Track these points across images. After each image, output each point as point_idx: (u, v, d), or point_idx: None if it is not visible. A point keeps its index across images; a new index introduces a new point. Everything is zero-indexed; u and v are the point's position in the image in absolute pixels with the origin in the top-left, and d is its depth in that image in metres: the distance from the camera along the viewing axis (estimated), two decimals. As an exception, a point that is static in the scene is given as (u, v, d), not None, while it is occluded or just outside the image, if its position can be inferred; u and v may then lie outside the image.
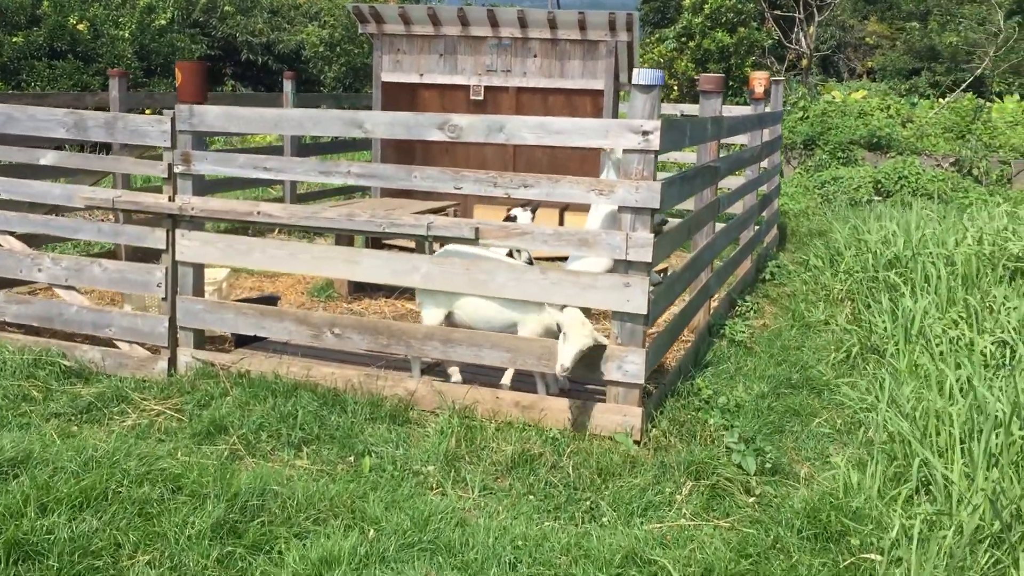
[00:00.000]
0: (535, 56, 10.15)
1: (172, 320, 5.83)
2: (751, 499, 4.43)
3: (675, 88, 17.53)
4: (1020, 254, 7.37)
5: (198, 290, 5.86)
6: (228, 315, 5.72)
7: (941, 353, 5.95)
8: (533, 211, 6.25)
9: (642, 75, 4.70)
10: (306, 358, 5.89)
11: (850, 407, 5.69)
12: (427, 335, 5.33)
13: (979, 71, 19.99)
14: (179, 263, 5.77)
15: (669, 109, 14.59)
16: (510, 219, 6.22)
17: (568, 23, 9.85)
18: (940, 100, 23.65)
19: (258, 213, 5.50)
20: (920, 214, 9.32)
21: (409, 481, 4.62)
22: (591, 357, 4.93)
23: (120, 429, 5.18)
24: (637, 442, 5.00)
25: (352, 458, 4.87)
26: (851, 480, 4.39)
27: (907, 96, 24.18)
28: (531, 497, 4.48)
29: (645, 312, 4.88)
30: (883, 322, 6.57)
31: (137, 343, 5.98)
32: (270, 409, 5.30)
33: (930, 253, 7.52)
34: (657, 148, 4.75)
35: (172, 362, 5.88)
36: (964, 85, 19.09)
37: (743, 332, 7.09)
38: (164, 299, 5.84)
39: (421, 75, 10.38)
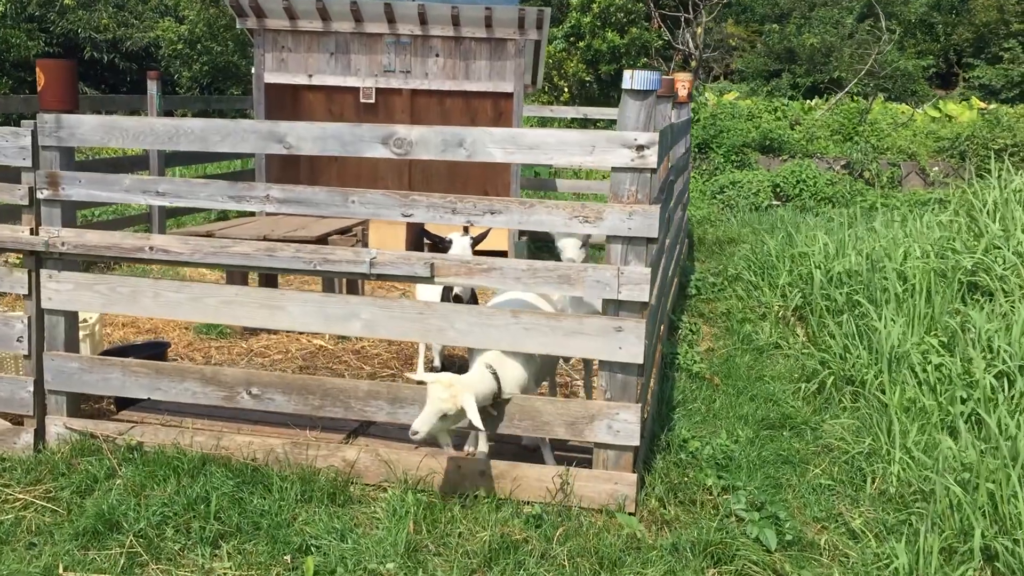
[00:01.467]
0: (438, 56, 9.25)
1: (39, 382, 4.67)
2: (790, 589, 3.70)
3: (566, 90, 16.90)
4: (972, 268, 6.98)
5: (71, 344, 4.71)
6: (113, 375, 4.60)
7: (928, 384, 5.42)
8: (472, 236, 5.35)
9: (636, 78, 3.90)
10: (211, 419, 4.85)
11: (841, 449, 5.08)
12: (369, 393, 4.38)
13: (862, 72, 20.20)
14: (47, 311, 4.62)
15: (539, 112, 14.02)
16: (438, 247, 5.31)
17: (474, 20, 9.00)
18: (809, 102, 23.99)
19: (151, 249, 4.41)
20: (845, 224, 8.92)
21: (367, 586, 3.68)
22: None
23: (-24, 531, 4.02)
24: (632, 514, 4.21)
25: (288, 556, 3.88)
26: (900, 559, 3.73)
27: (775, 97, 24.42)
28: (525, 601, 3.61)
29: (641, 361, 4.09)
30: (856, 348, 6.00)
31: (-8, 411, 4.79)
32: (174, 494, 4.24)
33: (883, 268, 7.04)
34: (654, 165, 3.97)
35: (40, 434, 4.72)
36: (844, 90, 19.23)
37: (699, 363, 6.42)
38: (27, 356, 4.67)
39: (310, 76, 9.32)
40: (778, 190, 13.59)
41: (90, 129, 4.41)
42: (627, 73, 3.94)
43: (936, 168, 14.57)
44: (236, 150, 4.38)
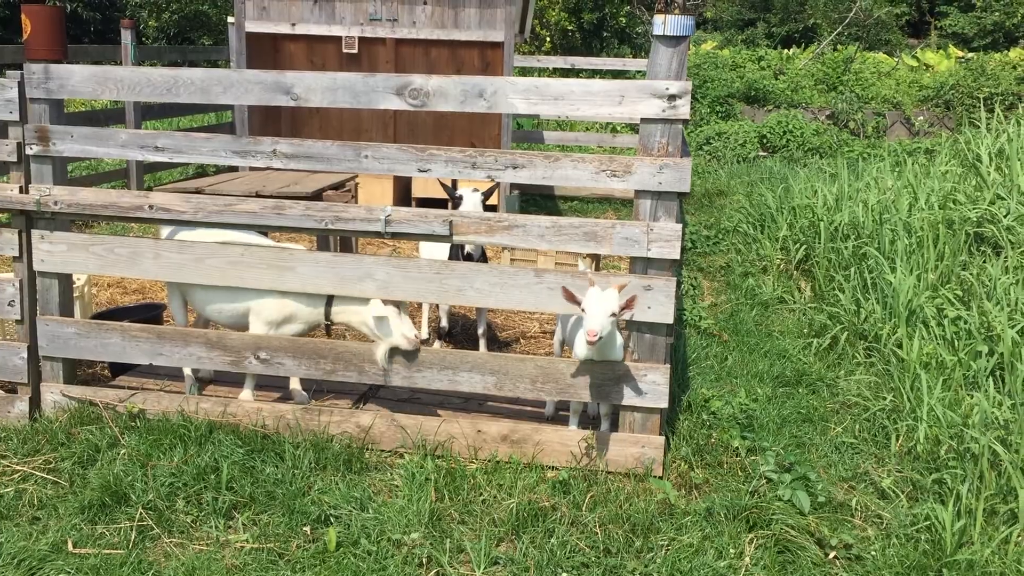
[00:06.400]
0: (425, 3, 8.93)
1: (32, 348, 4.44)
2: (830, 554, 3.59)
3: (548, 40, 16.56)
4: (977, 220, 6.88)
5: (66, 308, 4.48)
6: (112, 340, 4.38)
7: (945, 339, 5.33)
8: (482, 192, 5.15)
9: (670, 23, 3.69)
10: (212, 384, 4.66)
11: (861, 406, 4.99)
12: (385, 357, 4.20)
13: (847, 21, 19.91)
14: (39, 274, 4.38)
15: (524, 62, 13.61)
16: (452, 202, 5.13)
17: (463, -35, 8.70)
18: (787, 51, 23.76)
19: (151, 207, 4.17)
20: (844, 175, 8.78)
21: (394, 559, 3.53)
22: None
23: (-25, 506, 3.82)
24: (659, 477, 4.09)
25: (308, 528, 3.73)
26: (940, 519, 3.64)
27: (755, 46, 24.19)
28: (560, 571, 3.48)
29: (671, 321, 3.94)
30: (868, 302, 5.90)
31: (-17, 380, 4.56)
32: (181, 463, 4.06)
33: (888, 219, 6.93)
34: (686, 116, 3.78)
35: (35, 402, 4.51)
36: (830, 38, 18.99)
37: (706, 318, 6.30)
38: (20, 321, 4.43)
39: (293, 24, 8.98)
40: (765, 141, 13.44)
41: (81, 80, 4.14)
42: (658, 18, 3.73)
43: (921, 117, 14.47)
44: (240, 102, 4.14)
